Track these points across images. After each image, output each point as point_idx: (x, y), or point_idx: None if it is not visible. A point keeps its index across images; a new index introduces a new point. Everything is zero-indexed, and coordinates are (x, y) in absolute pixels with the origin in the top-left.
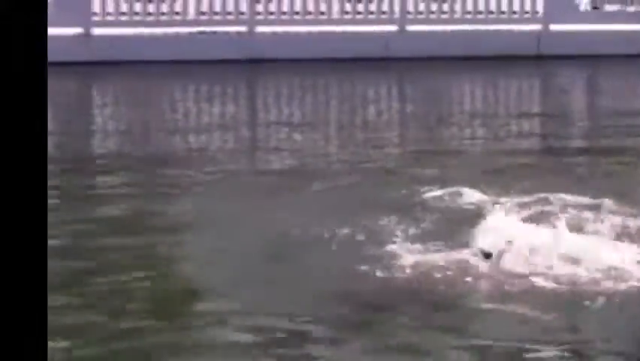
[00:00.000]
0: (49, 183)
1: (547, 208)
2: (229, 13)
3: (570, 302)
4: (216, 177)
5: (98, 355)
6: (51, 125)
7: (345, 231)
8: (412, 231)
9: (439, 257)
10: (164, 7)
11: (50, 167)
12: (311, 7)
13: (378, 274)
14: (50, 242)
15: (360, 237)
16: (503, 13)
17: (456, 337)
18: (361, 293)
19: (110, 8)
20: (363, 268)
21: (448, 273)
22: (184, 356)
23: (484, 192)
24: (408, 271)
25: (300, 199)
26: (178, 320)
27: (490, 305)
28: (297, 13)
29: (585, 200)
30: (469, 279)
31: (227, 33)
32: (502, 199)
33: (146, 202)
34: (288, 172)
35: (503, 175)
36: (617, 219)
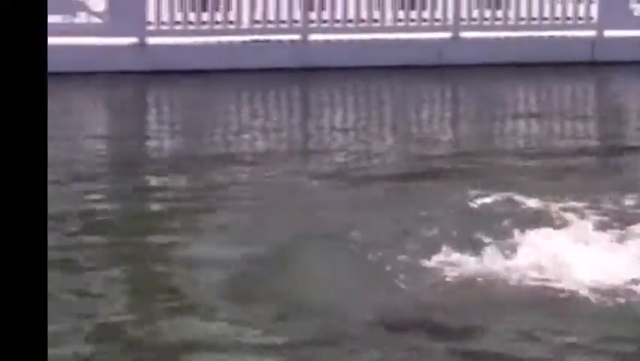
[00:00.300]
0: (102, 185)
1: (599, 216)
2: (283, 22)
3: (612, 320)
4: (268, 180)
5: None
6: (106, 130)
7: (388, 238)
8: (457, 239)
9: (482, 269)
10: (218, 17)
11: (104, 169)
12: (364, 15)
13: (416, 285)
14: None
15: (403, 245)
16: (557, 19)
17: None
18: (390, 306)
19: (165, 18)
20: (400, 278)
21: (490, 286)
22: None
23: (538, 197)
24: (448, 281)
25: (346, 203)
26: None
27: (524, 325)
28: (350, 20)
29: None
30: (510, 293)
31: (280, 41)
32: (556, 205)
33: (190, 203)
34: (337, 175)
35: (558, 180)
36: None
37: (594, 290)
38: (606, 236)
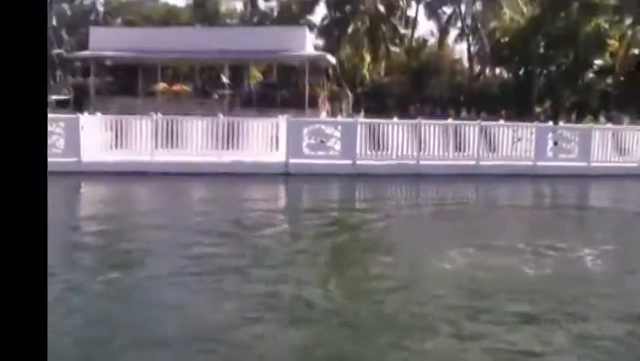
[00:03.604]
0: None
1: None
2: (406, 156)
3: None
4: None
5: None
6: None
7: None
8: None
9: None
10: (384, 153)
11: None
12: (444, 154)
13: None
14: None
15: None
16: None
17: None
18: None
19: (364, 152)
20: None
21: None
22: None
23: None
24: None
25: None
26: None
27: None
28: (436, 155)
29: None
30: None
31: (406, 163)
32: None
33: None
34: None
35: None
36: None
37: None
38: None
